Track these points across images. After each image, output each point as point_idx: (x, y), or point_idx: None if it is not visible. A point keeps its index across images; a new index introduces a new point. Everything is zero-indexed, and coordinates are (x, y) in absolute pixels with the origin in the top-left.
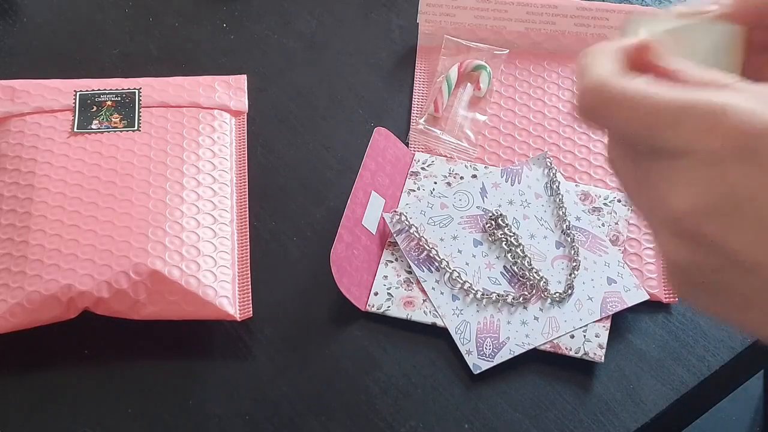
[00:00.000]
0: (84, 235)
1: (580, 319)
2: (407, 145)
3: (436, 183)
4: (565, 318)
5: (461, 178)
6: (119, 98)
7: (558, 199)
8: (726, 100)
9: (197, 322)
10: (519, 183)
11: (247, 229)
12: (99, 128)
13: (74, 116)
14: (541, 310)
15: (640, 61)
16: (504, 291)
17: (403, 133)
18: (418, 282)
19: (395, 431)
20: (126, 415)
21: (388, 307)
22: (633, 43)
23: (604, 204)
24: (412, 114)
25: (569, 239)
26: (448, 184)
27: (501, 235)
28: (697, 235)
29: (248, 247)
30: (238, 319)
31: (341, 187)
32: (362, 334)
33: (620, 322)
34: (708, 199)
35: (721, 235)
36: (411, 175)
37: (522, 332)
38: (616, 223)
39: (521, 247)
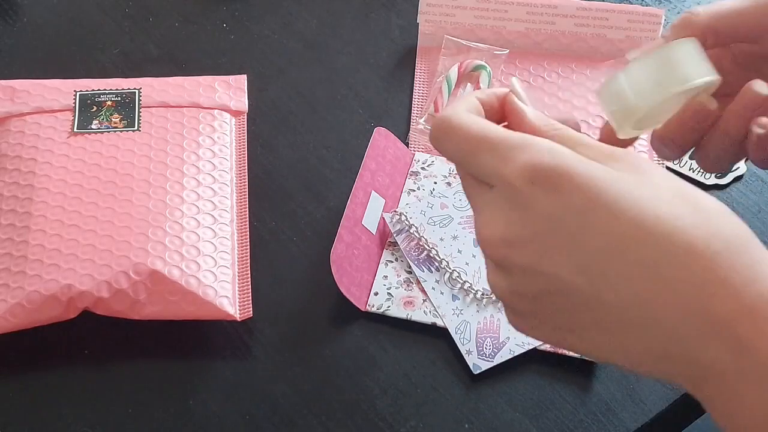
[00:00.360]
0: (84, 235)
1: None
2: (407, 145)
3: (436, 183)
4: None
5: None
6: (119, 98)
7: None
8: (525, 138)
9: (197, 322)
10: None
11: (247, 229)
12: (99, 128)
13: (74, 116)
14: None
15: (502, 110)
16: None
17: (403, 133)
18: (418, 282)
19: (395, 431)
20: (126, 415)
21: (388, 307)
22: (488, 92)
23: None
24: (412, 114)
25: None
26: (448, 184)
27: None
28: (508, 263)
29: (248, 247)
30: (238, 319)
31: (341, 187)
32: (362, 334)
33: None
34: (513, 228)
35: (533, 262)
36: (411, 175)
37: None
38: None
39: None
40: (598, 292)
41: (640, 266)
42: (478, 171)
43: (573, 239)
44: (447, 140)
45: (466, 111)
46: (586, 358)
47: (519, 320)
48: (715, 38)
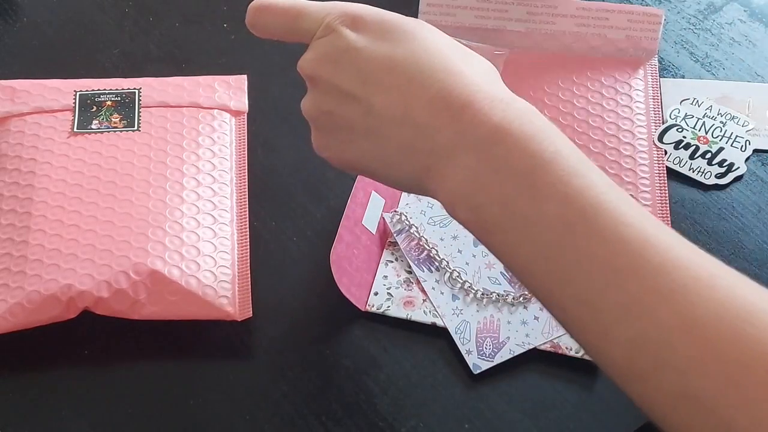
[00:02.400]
0: (84, 234)
1: None
2: None
3: None
4: None
5: None
6: (119, 98)
7: None
8: (330, 2)
9: (197, 322)
10: None
11: (247, 229)
12: (99, 128)
13: (74, 116)
14: (541, 309)
15: None
16: (504, 291)
17: None
18: (418, 282)
19: (395, 431)
20: (126, 415)
21: (388, 307)
22: None
23: None
24: None
25: None
26: None
27: None
28: (315, 78)
29: (248, 247)
30: (238, 319)
31: (341, 187)
32: (362, 334)
33: None
34: (322, 51)
35: (331, 76)
36: None
37: (522, 332)
38: None
39: None
40: (372, 98)
41: (406, 79)
42: (300, 35)
43: (362, 59)
44: (265, 18)
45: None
46: (587, 358)
47: (319, 140)
48: None
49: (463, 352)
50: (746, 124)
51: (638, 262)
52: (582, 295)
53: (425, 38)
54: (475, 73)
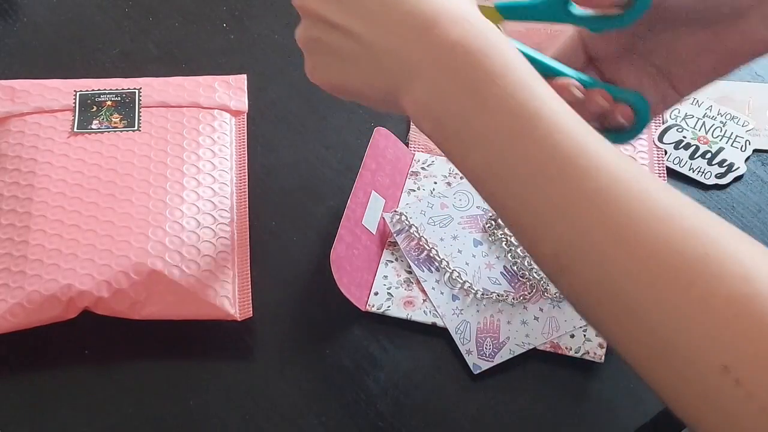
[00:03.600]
0: (84, 234)
1: (580, 319)
2: (407, 145)
3: (436, 183)
4: (565, 318)
5: (461, 178)
6: (119, 98)
7: None
8: None
9: (197, 322)
10: None
11: (247, 229)
12: (99, 128)
13: (74, 116)
14: (541, 310)
15: None
16: (504, 291)
17: (403, 133)
18: (418, 282)
19: (395, 431)
20: (126, 415)
21: (388, 307)
22: None
23: None
24: None
25: None
26: (448, 184)
27: (501, 235)
28: (304, 8)
29: (248, 247)
30: (238, 319)
31: (341, 187)
32: (362, 334)
33: None
34: None
35: (317, 7)
36: (411, 175)
37: (522, 332)
38: None
39: (521, 248)
40: (353, 25)
41: (380, 3)
42: None
43: None
44: None
45: None
46: (587, 358)
47: (310, 65)
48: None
49: (463, 352)
50: (746, 124)
51: (567, 167)
52: (519, 198)
53: None
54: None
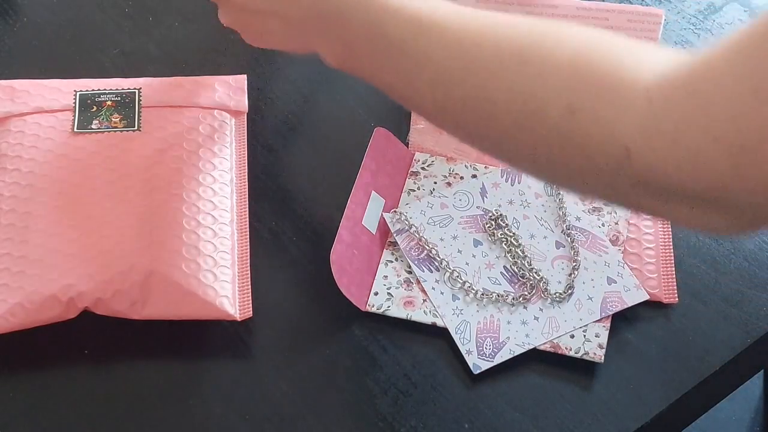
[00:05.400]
0: (84, 235)
1: (580, 319)
2: (407, 145)
3: (436, 183)
4: (565, 318)
5: (461, 178)
6: (119, 98)
7: (558, 199)
8: None
9: (197, 322)
10: (519, 183)
11: (247, 229)
12: (99, 128)
13: (74, 116)
14: (541, 310)
15: None
16: (504, 291)
17: (403, 133)
18: (418, 282)
19: (395, 431)
20: (126, 415)
21: (388, 307)
22: None
23: (604, 204)
24: (412, 114)
25: (569, 239)
26: (448, 184)
27: (501, 235)
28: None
29: (248, 247)
30: (238, 319)
31: (341, 187)
32: (362, 334)
33: (620, 322)
34: None
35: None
36: (411, 175)
37: (522, 332)
38: (616, 223)
39: (521, 247)
40: (272, 9)
41: None
42: None
43: None
44: None
45: None
46: (587, 358)
47: (245, 37)
48: None
49: (463, 352)
50: None
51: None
52: (393, 68)
53: None
54: None
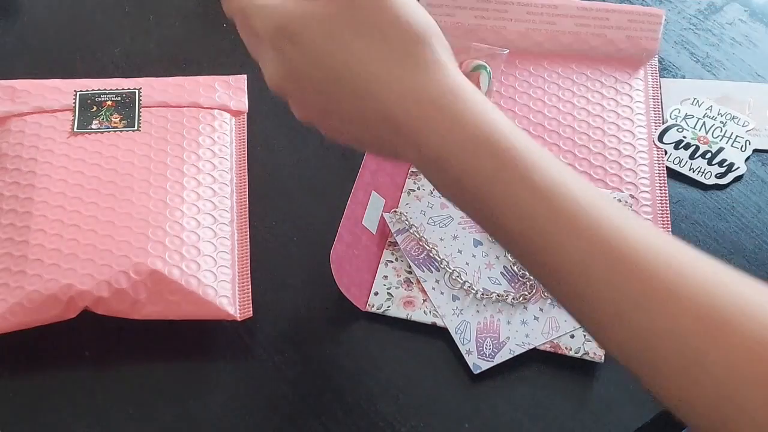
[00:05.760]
0: (84, 234)
1: None
2: None
3: None
4: (565, 318)
5: None
6: (119, 98)
7: None
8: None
9: (197, 322)
10: None
11: (247, 229)
12: (99, 128)
13: (74, 116)
14: (541, 310)
15: None
16: (504, 291)
17: None
18: (418, 282)
19: (395, 431)
20: (126, 415)
21: (388, 307)
22: None
23: None
24: None
25: None
26: None
27: None
28: (284, 95)
29: (248, 247)
30: (238, 319)
31: (341, 187)
32: (362, 334)
33: None
34: (275, 71)
35: (294, 92)
36: (411, 174)
37: (522, 332)
38: None
39: None
40: (336, 109)
41: (353, 88)
42: (253, 29)
43: (311, 77)
44: (230, 5)
45: None
46: (586, 358)
47: (303, 116)
48: None
49: (463, 352)
50: (746, 124)
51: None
52: (538, 263)
53: (358, 45)
54: (403, 79)
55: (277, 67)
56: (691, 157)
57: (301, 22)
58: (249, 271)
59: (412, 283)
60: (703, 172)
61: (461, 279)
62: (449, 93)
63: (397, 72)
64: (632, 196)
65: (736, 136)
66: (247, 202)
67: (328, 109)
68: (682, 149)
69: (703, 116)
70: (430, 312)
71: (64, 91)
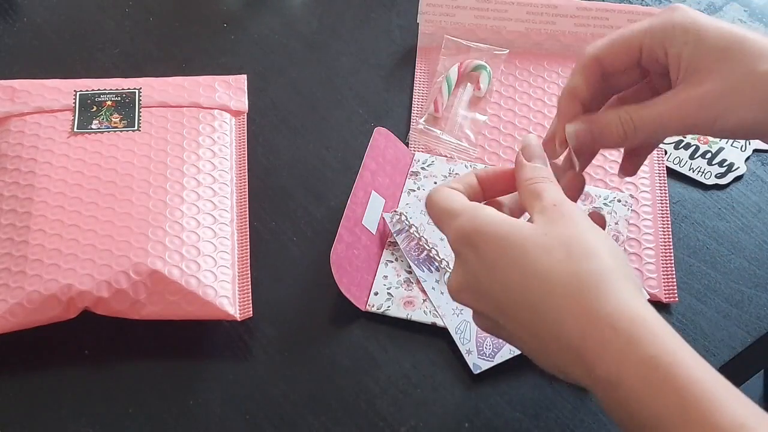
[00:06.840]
0: (84, 234)
1: None
2: (407, 145)
3: (436, 183)
4: None
5: None
6: (119, 98)
7: None
8: (460, 208)
9: (197, 322)
10: None
11: (247, 229)
12: (99, 128)
13: (74, 116)
14: None
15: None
16: None
17: (403, 133)
18: (418, 282)
19: (395, 431)
20: (126, 415)
21: (388, 307)
22: (489, 170)
23: (604, 204)
24: (412, 114)
25: None
26: None
27: None
28: (462, 301)
29: (248, 247)
30: (238, 319)
31: (341, 187)
32: (362, 334)
33: None
34: (458, 279)
35: (472, 304)
36: (411, 175)
37: None
38: (616, 223)
39: None
40: (509, 326)
41: (529, 313)
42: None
43: (487, 287)
44: (430, 210)
45: (444, 187)
46: None
47: (482, 326)
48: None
49: (463, 352)
50: None
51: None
52: None
53: (535, 261)
54: (590, 299)
55: (457, 267)
56: (691, 157)
57: (488, 232)
58: (249, 271)
59: (412, 283)
60: (703, 172)
61: None
62: (629, 320)
63: (577, 293)
64: (632, 196)
65: None
66: (247, 202)
67: (500, 323)
68: (682, 149)
69: None
70: (430, 312)
71: (64, 91)
